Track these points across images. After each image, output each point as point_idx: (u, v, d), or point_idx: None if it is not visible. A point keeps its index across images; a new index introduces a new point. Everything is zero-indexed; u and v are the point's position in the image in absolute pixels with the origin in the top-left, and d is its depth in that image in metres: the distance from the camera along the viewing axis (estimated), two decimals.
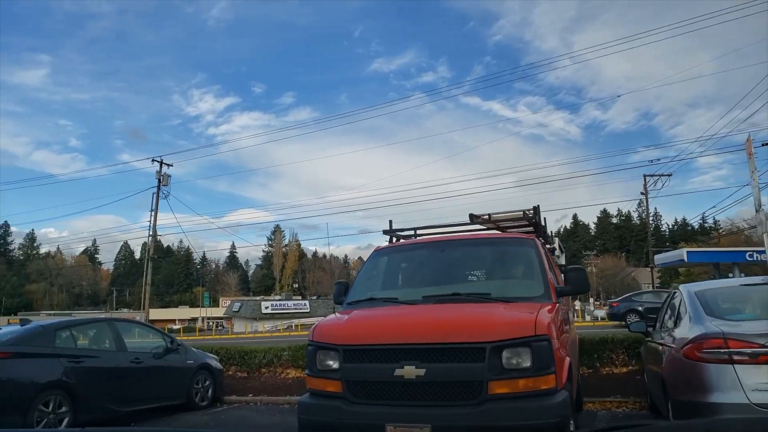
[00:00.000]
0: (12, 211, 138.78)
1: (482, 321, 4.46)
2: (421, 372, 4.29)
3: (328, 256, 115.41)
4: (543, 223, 6.44)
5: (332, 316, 5.48)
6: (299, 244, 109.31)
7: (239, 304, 65.05)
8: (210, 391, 9.96)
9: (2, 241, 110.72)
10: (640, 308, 22.43)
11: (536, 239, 5.90)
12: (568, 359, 4.77)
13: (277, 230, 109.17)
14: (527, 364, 4.20)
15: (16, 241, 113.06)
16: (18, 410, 7.02)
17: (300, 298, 75.58)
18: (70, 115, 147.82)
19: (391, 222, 7.03)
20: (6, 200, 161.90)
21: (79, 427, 3.59)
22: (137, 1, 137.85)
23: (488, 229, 6.79)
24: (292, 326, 47.63)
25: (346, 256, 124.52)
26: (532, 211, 6.35)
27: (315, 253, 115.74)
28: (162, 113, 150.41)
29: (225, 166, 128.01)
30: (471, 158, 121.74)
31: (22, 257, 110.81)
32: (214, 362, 10.45)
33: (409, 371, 4.31)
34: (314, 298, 75.28)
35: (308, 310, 61.87)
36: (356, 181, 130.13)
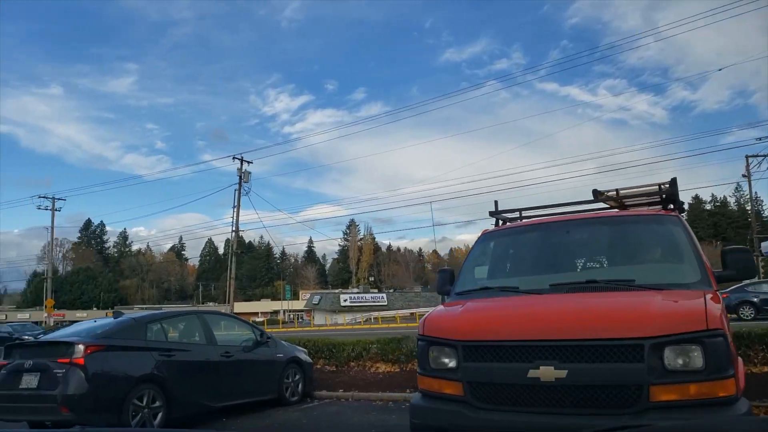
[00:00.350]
0: (106, 211, 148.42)
1: (637, 312, 3.68)
2: (562, 374, 3.57)
3: (402, 250, 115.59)
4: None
5: (441, 307, 4.82)
6: (374, 238, 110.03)
7: (319, 296, 65.98)
8: (300, 386, 9.60)
9: (98, 239, 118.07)
10: (755, 299, 20.38)
11: (679, 216, 5.00)
12: (740, 360, 3.90)
13: (352, 225, 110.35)
14: (699, 365, 3.41)
15: (111, 239, 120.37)
16: (114, 404, 6.86)
17: (377, 291, 75.70)
18: (156, 118, 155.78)
19: (496, 203, 6.28)
20: (101, 201, 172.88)
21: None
22: (215, 6, 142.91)
23: (611, 207, 5.91)
24: (371, 319, 47.57)
25: (420, 249, 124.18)
26: (668, 184, 5.42)
27: (389, 247, 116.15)
28: (240, 114, 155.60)
29: (301, 163, 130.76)
30: (548, 145, 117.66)
31: (116, 254, 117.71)
32: (304, 355, 10.09)
33: (547, 373, 3.61)
34: (391, 291, 75.25)
35: (385, 303, 61.83)
36: (429, 174, 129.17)
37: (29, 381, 6.92)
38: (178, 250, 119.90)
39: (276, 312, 77.03)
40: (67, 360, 6.79)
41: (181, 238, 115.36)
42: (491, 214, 6.14)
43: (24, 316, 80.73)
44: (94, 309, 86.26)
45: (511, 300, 4.42)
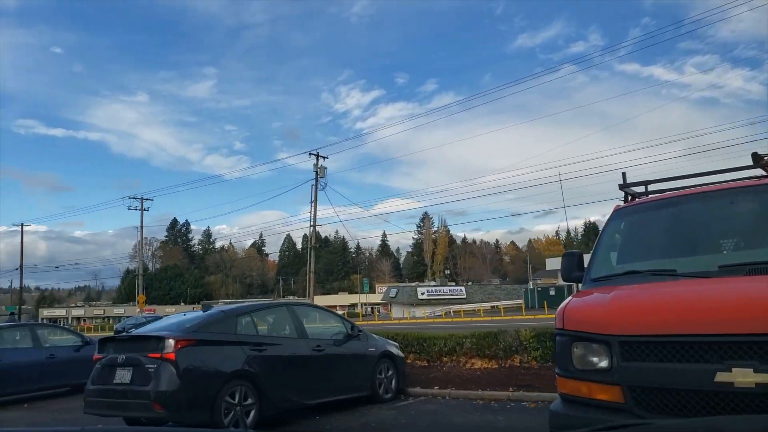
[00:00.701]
0: (191, 209, 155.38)
1: None
2: (765, 378, 2.74)
3: (477, 242, 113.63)
4: None
5: (579, 297, 4.05)
6: (448, 230, 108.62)
7: (395, 290, 65.73)
8: (393, 383, 9.03)
9: (184, 237, 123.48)
10: None
11: None
12: None
13: (425, 217, 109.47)
14: None
15: (196, 237, 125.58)
16: (206, 401, 6.54)
17: (454, 284, 74.57)
18: (235, 120, 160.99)
19: (624, 174, 5.41)
20: (185, 201, 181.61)
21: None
22: (287, 7, 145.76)
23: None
24: (450, 312, 46.72)
25: (497, 240, 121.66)
26: None
27: (464, 239, 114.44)
28: (313, 112, 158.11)
29: (372, 158, 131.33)
30: (629, 129, 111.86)
31: (201, 252, 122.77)
32: (396, 350, 9.52)
33: (743, 377, 2.79)
34: (469, 283, 73.90)
35: (464, 296, 60.63)
36: (504, 162, 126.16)
37: (123, 376, 6.73)
38: (258, 246, 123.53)
39: (353, 305, 77.61)
40: (158, 355, 6.53)
41: (261, 235, 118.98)
42: (621, 187, 5.28)
43: (119, 311, 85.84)
44: (182, 304, 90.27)
45: (675, 285, 3.59)
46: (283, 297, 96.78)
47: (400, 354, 9.62)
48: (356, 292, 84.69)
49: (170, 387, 6.36)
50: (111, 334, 11.85)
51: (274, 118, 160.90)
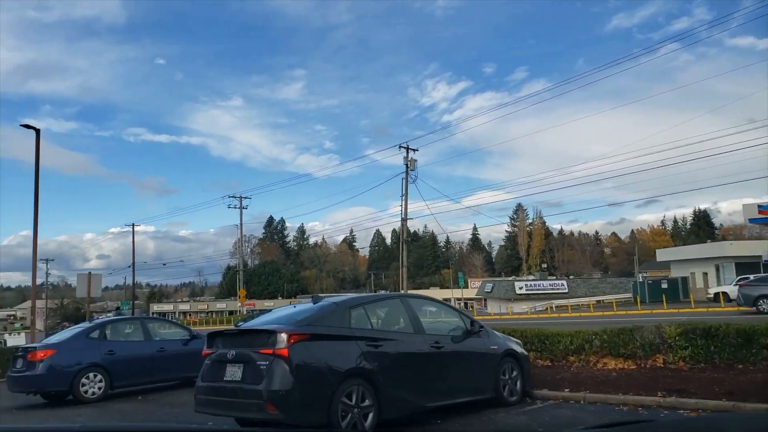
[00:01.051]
0: (285, 207, 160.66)
1: None
2: None
3: (575, 234, 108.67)
4: None
5: None
6: (544, 222, 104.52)
7: (491, 284, 63.84)
8: (518, 384, 8.09)
9: (280, 234, 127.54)
10: None
11: None
12: None
13: (519, 209, 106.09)
14: None
15: (291, 234, 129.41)
16: (323, 402, 5.93)
17: (554, 277, 71.38)
18: (324, 120, 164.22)
19: None
20: (280, 200, 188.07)
21: None
22: (372, 5, 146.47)
23: None
24: (553, 307, 44.46)
25: (596, 232, 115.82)
26: None
27: (560, 231, 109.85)
28: (400, 108, 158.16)
29: (461, 151, 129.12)
30: (742, 108, 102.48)
31: (295, 247, 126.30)
32: (519, 348, 8.56)
33: None
34: (571, 277, 70.46)
35: (566, 291, 57.67)
36: (602, 150, 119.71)
37: (233, 373, 6.25)
38: (349, 242, 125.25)
39: (447, 300, 76.47)
40: (269, 351, 5.98)
41: (351, 230, 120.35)
42: None
43: (222, 305, 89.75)
44: (279, 298, 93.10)
45: None
46: (375, 291, 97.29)
47: (524, 352, 8.65)
48: (447, 287, 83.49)
49: (284, 386, 5.80)
50: (220, 327, 11.68)
51: (361, 116, 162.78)
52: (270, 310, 8.03)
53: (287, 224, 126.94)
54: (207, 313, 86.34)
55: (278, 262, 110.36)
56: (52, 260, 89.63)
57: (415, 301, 7.72)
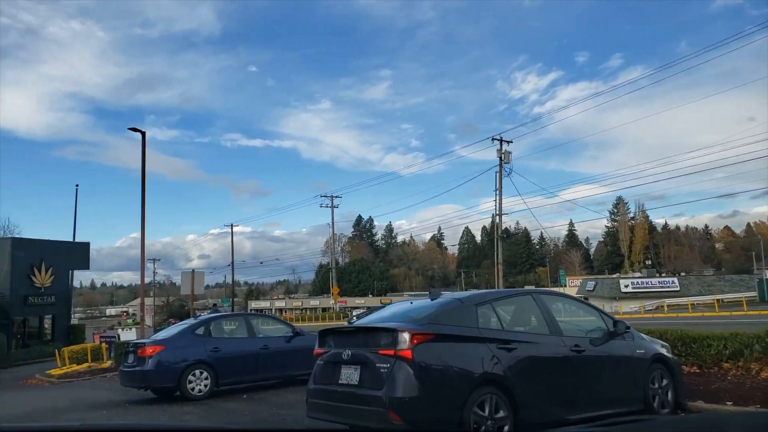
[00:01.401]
0: (373, 206, 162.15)
1: None
2: None
3: (682, 228, 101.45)
4: None
5: None
6: (647, 217, 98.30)
7: (593, 282, 60.50)
8: (670, 394, 6.90)
9: (369, 233, 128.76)
10: None
11: None
12: None
13: (619, 203, 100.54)
14: None
15: (379, 232, 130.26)
16: (453, 410, 5.18)
17: (663, 275, 66.58)
18: (410, 118, 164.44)
19: None
20: (368, 199, 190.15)
21: None
22: (456, 2, 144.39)
23: None
24: (664, 306, 41.20)
25: (706, 226, 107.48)
26: None
27: (665, 225, 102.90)
28: (488, 102, 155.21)
29: (553, 143, 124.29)
30: None
31: (384, 246, 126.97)
32: (667, 352, 7.35)
33: None
34: (683, 274, 65.42)
35: (677, 288, 53.45)
36: (710, 138, 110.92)
37: (349, 376, 5.59)
38: (438, 240, 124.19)
39: None
40: (390, 352, 5.27)
41: (439, 228, 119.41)
42: None
43: (315, 302, 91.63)
44: (370, 296, 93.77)
45: None
46: (466, 290, 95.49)
47: (674, 358, 7.42)
48: (543, 285, 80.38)
49: (409, 393, 5.06)
50: (330, 324, 11.17)
51: (447, 113, 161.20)
52: (362, 308, 7.33)
53: (375, 223, 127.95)
54: (301, 309, 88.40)
55: (368, 260, 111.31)
56: (159, 260, 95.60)
57: (548, 298, 6.75)
